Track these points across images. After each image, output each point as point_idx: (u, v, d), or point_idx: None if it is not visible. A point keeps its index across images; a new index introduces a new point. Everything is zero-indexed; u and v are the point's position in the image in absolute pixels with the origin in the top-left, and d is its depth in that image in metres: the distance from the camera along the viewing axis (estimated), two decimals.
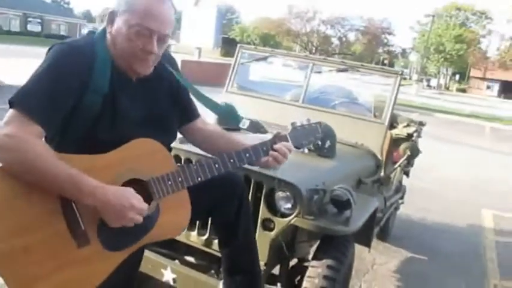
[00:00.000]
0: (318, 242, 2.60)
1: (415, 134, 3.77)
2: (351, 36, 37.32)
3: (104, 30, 1.39)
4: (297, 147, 1.56)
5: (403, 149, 2.82)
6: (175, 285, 2.05)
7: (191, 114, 1.64)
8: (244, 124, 1.64)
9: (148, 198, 1.31)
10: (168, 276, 2.05)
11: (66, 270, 1.23)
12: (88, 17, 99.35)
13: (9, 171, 1.18)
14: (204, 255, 2.28)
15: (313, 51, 30.76)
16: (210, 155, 1.59)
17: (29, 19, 44.06)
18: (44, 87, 1.24)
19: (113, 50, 1.36)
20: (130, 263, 1.40)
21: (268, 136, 1.60)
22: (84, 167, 1.22)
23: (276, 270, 2.33)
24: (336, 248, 2.11)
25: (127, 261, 1.35)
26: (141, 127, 1.40)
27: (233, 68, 3.38)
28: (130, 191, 1.25)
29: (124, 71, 1.38)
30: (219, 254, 2.20)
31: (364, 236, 2.49)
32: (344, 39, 36.23)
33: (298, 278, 2.29)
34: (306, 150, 1.59)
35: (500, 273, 3.82)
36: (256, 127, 1.66)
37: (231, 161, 1.42)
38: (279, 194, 2.05)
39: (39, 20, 44.74)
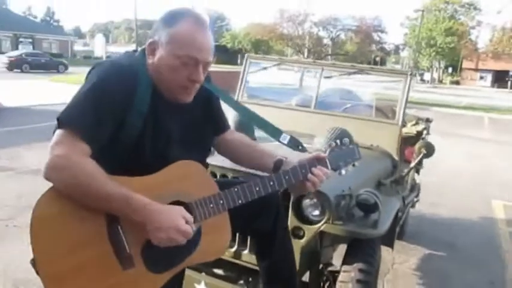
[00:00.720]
0: (339, 247, 2.64)
1: (424, 132, 3.81)
2: (344, 36, 37.55)
3: (143, 52, 1.41)
4: (333, 169, 1.55)
5: (418, 147, 2.85)
6: None
7: (223, 126, 1.65)
8: (285, 139, 1.64)
9: None
10: None
11: None
12: (78, 34, 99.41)
13: (60, 191, 1.20)
14: (232, 267, 2.30)
15: (306, 53, 30.93)
16: (244, 169, 1.60)
17: (20, 39, 44.12)
18: (91, 106, 1.25)
19: (154, 77, 1.38)
20: (173, 283, 1.42)
21: (305, 154, 1.60)
22: (132, 188, 1.24)
23: (305, 277, 2.34)
24: (365, 251, 2.13)
25: (170, 281, 1.37)
26: (181, 146, 1.42)
27: (242, 77, 3.41)
28: (181, 211, 1.26)
29: (164, 95, 1.40)
30: (247, 265, 2.22)
31: (387, 237, 2.51)
32: (337, 39, 36.43)
33: (328, 283, 2.32)
34: (343, 172, 1.58)
35: None
36: (296, 144, 1.66)
37: (271, 183, 1.43)
38: (307, 202, 2.07)
39: (30, 40, 44.81)
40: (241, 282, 2.30)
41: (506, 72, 44.64)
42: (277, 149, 1.66)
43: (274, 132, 1.64)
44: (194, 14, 1.38)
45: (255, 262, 2.08)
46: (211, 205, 1.35)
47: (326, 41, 35.97)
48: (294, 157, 1.58)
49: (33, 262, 1.21)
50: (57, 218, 1.21)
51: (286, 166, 1.51)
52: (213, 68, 1.72)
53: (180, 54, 1.33)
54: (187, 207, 1.32)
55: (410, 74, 3.02)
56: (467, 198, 5.81)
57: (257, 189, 1.40)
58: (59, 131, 1.24)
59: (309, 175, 1.47)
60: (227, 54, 41.55)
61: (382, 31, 38.89)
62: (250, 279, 2.29)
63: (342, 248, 2.65)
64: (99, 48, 53.77)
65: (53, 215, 1.21)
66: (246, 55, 3.45)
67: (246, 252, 2.18)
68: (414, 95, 24.21)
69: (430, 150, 2.78)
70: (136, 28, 36.46)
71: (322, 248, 2.35)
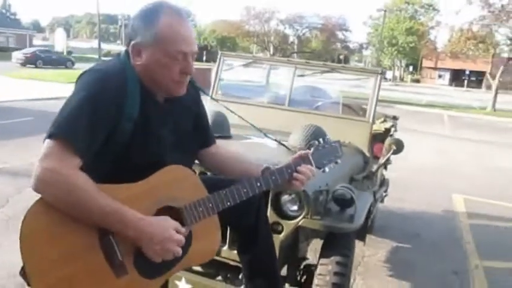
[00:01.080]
0: (313, 242, 2.70)
1: (392, 129, 3.95)
2: (309, 34, 37.96)
3: (127, 55, 1.40)
4: (317, 167, 1.59)
5: (389, 144, 2.95)
6: None
7: (209, 139, 1.66)
8: None
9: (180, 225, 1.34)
10: (183, 287, 2.07)
11: None
12: (37, 27, 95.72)
13: (49, 203, 1.18)
14: (211, 263, 2.31)
15: (272, 50, 31.11)
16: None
17: None
18: (84, 117, 1.23)
19: (144, 78, 1.37)
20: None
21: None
22: (120, 197, 1.24)
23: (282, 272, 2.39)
24: (341, 244, 2.21)
25: None
26: (171, 150, 1.42)
27: (216, 74, 3.42)
28: (170, 222, 1.28)
29: (152, 94, 1.40)
30: (225, 261, 2.25)
31: (359, 231, 2.60)
32: (303, 37, 36.82)
33: (304, 277, 2.38)
34: (327, 169, 1.62)
35: (478, 254, 4.05)
36: None
37: (258, 184, 1.46)
38: (285, 198, 2.12)
39: None
40: (219, 278, 2.32)
41: (463, 71, 46.49)
42: (259, 149, 1.69)
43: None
44: (170, 6, 1.37)
45: (233, 258, 2.12)
46: (201, 208, 1.37)
47: (292, 38, 36.32)
48: (275, 155, 1.62)
49: (23, 273, 1.20)
50: (46, 230, 1.19)
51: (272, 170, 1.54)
52: None
53: (169, 51, 1.33)
54: (178, 211, 1.34)
55: (381, 73, 3.13)
56: (430, 192, 6.05)
57: (244, 191, 1.43)
58: (49, 142, 1.21)
59: (295, 174, 1.51)
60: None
61: (346, 30, 39.66)
62: (228, 275, 2.32)
63: (315, 243, 2.72)
64: (60, 43, 51.91)
65: (43, 227, 1.19)
66: (219, 53, 3.46)
67: (225, 248, 2.20)
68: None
69: (399, 147, 2.89)
70: (99, 23, 35.55)
71: (299, 242, 2.41)
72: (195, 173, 1.59)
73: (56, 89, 14.86)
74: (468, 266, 3.80)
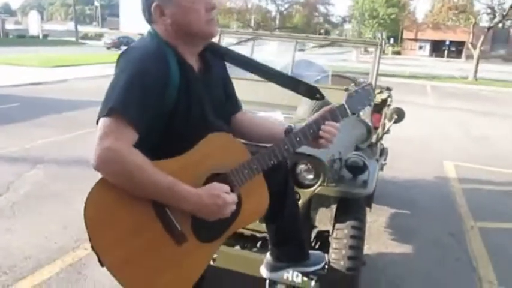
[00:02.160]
0: (320, 210, 2.81)
1: (389, 99, 4.05)
2: (291, 9, 37.60)
3: (153, 30, 1.43)
4: (353, 113, 1.60)
5: (390, 113, 3.05)
6: (215, 264, 2.15)
7: (238, 105, 1.70)
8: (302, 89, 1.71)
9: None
10: None
11: (175, 266, 1.35)
12: (8, 11, 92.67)
13: (108, 182, 1.24)
14: None
15: (254, 27, 30.82)
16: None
17: None
18: (135, 92, 1.27)
19: (174, 39, 1.40)
20: None
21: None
22: (170, 171, 1.29)
23: None
24: (355, 210, 2.32)
25: None
26: (212, 116, 1.47)
27: None
28: (219, 188, 1.34)
29: (187, 61, 1.42)
30: (243, 231, 2.34)
31: (367, 198, 2.72)
32: (285, 12, 36.45)
33: (319, 243, 2.50)
34: (361, 114, 1.65)
35: (472, 216, 4.25)
36: (313, 92, 1.73)
37: (297, 139, 1.50)
38: (302, 167, 2.21)
39: None
40: (237, 247, 2.41)
41: (443, 42, 46.95)
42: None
43: (290, 82, 1.73)
44: None
45: (251, 227, 2.22)
46: (246, 171, 1.44)
47: (274, 14, 35.96)
48: None
49: (97, 256, 1.28)
50: (108, 209, 1.26)
51: (297, 130, 1.56)
52: None
53: None
54: (225, 176, 1.41)
55: (380, 44, 3.20)
56: (422, 160, 6.24)
57: (286, 147, 1.48)
58: (105, 120, 1.24)
59: (320, 132, 1.52)
60: None
61: (328, 3, 39.39)
62: (246, 244, 2.41)
63: (321, 212, 2.83)
64: (34, 26, 50.47)
65: (105, 206, 1.26)
66: (219, 30, 3.47)
67: None
68: (362, 66, 25.03)
69: (401, 116, 2.98)
70: (74, 4, 34.56)
71: (311, 210, 2.52)
72: None
73: (28, 74, 14.60)
74: (463, 227, 3.99)
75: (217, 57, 1.59)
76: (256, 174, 1.47)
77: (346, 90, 1.64)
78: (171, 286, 1.36)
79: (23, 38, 44.01)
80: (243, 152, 1.49)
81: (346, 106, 1.56)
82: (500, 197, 4.92)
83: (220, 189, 1.34)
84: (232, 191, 1.39)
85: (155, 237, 1.30)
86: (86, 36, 56.20)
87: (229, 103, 1.64)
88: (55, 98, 10.15)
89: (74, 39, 47.24)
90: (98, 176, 1.27)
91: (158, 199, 1.29)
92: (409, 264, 3.28)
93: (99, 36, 56.98)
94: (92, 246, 1.27)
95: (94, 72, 15.89)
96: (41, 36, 47.34)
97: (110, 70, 1.46)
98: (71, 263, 3.03)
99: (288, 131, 1.61)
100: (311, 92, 1.74)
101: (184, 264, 1.37)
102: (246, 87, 2.78)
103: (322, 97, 1.73)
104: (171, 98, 1.35)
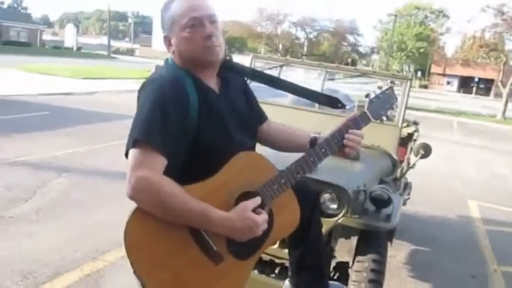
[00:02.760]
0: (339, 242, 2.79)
1: (415, 134, 4.03)
2: (320, 37, 38.00)
3: (170, 58, 1.51)
4: (376, 119, 1.60)
5: (417, 148, 3.04)
6: None
7: (263, 116, 1.73)
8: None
9: (260, 206, 1.43)
10: None
11: (215, 285, 1.38)
12: (46, 22, 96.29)
13: (143, 211, 1.29)
14: None
15: (282, 53, 31.22)
16: None
17: None
18: (158, 118, 1.33)
19: (185, 64, 1.47)
20: None
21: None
22: (202, 194, 1.33)
23: None
24: (377, 243, 2.30)
25: None
26: (235, 132, 1.51)
27: None
28: (250, 208, 1.37)
29: (203, 80, 1.48)
30: (261, 256, 2.34)
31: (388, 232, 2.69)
32: (314, 40, 36.85)
33: (337, 274, 2.47)
34: (385, 119, 1.64)
35: (496, 259, 4.13)
36: (334, 102, 1.77)
37: (323, 150, 1.51)
38: (326, 196, 2.22)
39: None
40: (256, 271, 2.41)
41: (472, 78, 46.43)
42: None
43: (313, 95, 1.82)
44: None
45: (271, 253, 2.22)
46: (275, 186, 1.46)
47: (302, 40, 36.38)
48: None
49: (140, 280, 1.32)
50: (146, 236, 1.30)
51: (321, 141, 1.58)
52: None
53: (183, 24, 1.43)
54: (255, 194, 1.43)
55: (411, 79, 3.21)
56: (445, 197, 6.13)
57: (311, 159, 1.49)
58: (132, 151, 1.31)
59: (344, 141, 1.54)
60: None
61: (357, 34, 39.64)
62: (264, 269, 2.41)
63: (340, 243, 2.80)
64: (70, 38, 52.40)
65: (143, 233, 1.30)
66: (252, 54, 3.55)
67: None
68: None
69: (427, 151, 2.97)
70: (109, 19, 35.70)
71: (332, 240, 2.50)
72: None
73: (60, 84, 15.04)
74: (486, 270, 3.88)
75: (234, 72, 1.63)
76: (286, 189, 1.48)
77: (367, 96, 1.63)
78: None
79: (58, 49, 45.64)
80: (271, 168, 1.51)
81: (368, 112, 1.58)
82: None
83: (249, 208, 1.36)
84: (262, 207, 1.41)
85: (193, 259, 1.34)
86: (117, 51, 57.96)
87: (254, 115, 1.68)
88: (84, 109, 10.42)
89: (106, 53, 48.66)
90: (123, 189, 1.31)
91: (191, 225, 1.33)
92: None
93: (130, 52, 58.87)
94: (134, 271, 1.31)
95: (123, 86, 16.30)
96: (75, 49, 48.99)
97: (138, 86, 1.54)
98: (90, 273, 3.07)
99: (313, 140, 1.63)
100: (333, 102, 1.78)
101: (223, 283, 1.40)
102: (273, 114, 2.83)
103: (343, 106, 1.76)
104: (193, 119, 1.40)
